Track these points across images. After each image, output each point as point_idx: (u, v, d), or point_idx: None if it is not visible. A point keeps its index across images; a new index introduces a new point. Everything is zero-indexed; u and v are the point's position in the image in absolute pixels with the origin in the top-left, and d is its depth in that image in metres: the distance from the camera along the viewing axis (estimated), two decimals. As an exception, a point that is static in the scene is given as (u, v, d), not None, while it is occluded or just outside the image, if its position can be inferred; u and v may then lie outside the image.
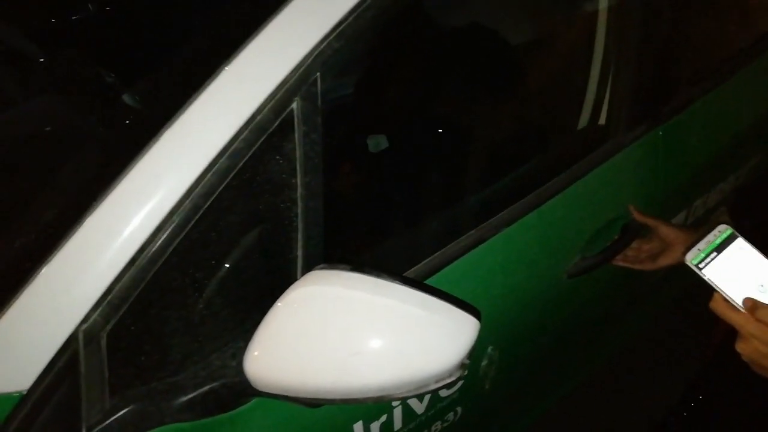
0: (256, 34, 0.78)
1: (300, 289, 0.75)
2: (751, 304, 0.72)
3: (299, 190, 0.82)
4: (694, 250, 0.75)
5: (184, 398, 0.78)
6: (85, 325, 0.70)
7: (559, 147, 1.24)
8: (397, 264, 0.98)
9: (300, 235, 0.84)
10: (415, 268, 0.99)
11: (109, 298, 0.70)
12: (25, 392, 0.67)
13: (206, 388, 0.79)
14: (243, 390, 0.79)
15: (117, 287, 0.70)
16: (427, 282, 1.00)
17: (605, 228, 1.23)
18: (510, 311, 1.13)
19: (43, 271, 0.68)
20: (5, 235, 0.81)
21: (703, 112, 1.40)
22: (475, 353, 1.09)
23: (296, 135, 0.80)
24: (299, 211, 0.83)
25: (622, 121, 1.24)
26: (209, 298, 0.80)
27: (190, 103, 0.74)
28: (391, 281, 0.75)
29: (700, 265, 0.74)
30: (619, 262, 1.23)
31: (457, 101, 1.38)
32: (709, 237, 0.75)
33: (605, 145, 1.23)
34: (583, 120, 1.26)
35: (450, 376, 0.75)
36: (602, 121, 1.25)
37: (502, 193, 1.12)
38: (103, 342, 0.72)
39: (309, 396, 0.76)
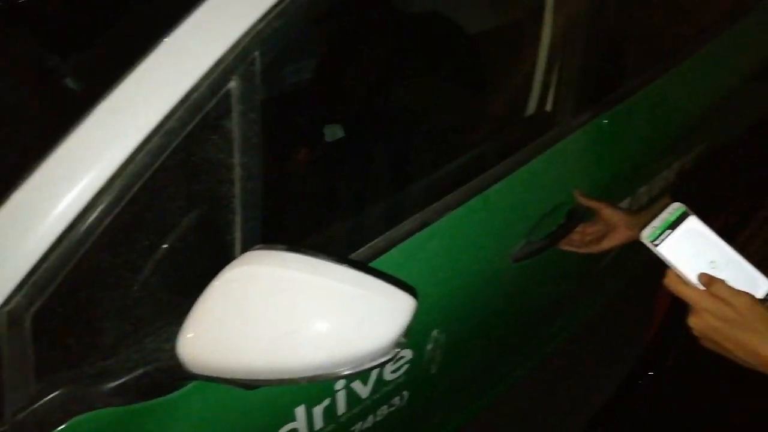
0: (194, 11, 0.76)
1: (236, 268, 0.74)
2: (707, 279, 0.74)
3: (237, 171, 0.81)
4: (650, 227, 0.77)
5: (116, 382, 0.76)
6: (7, 306, 0.68)
7: (506, 132, 1.25)
8: (340, 248, 0.98)
9: (238, 217, 0.83)
10: (359, 251, 0.99)
11: (34, 278, 0.68)
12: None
13: (139, 371, 0.77)
14: (179, 373, 0.78)
15: (43, 267, 0.68)
16: (371, 265, 1.00)
17: (551, 213, 1.25)
18: (455, 295, 1.14)
19: (-38, 250, 0.66)
20: None
21: (648, 101, 1.43)
22: (418, 335, 1.11)
23: (234, 114, 0.79)
24: (237, 191, 0.81)
25: (568, 108, 1.26)
26: (143, 280, 0.78)
27: (123, 80, 0.72)
28: (328, 261, 0.75)
29: (655, 242, 0.76)
30: (564, 246, 1.26)
31: (404, 85, 1.38)
32: (663, 215, 0.77)
33: (551, 132, 1.24)
34: (530, 107, 1.28)
35: (386, 354, 0.75)
36: (548, 107, 1.26)
37: (448, 177, 1.13)
38: (28, 324, 0.70)
39: (244, 377, 0.75)
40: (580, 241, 1.25)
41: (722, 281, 0.73)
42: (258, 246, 0.77)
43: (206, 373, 0.75)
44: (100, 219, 0.71)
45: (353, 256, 0.99)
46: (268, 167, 0.85)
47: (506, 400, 1.95)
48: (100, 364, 0.76)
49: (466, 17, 1.44)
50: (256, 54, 0.78)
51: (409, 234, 1.04)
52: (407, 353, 1.11)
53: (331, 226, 1.00)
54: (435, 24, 1.37)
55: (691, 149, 1.67)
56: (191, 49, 0.75)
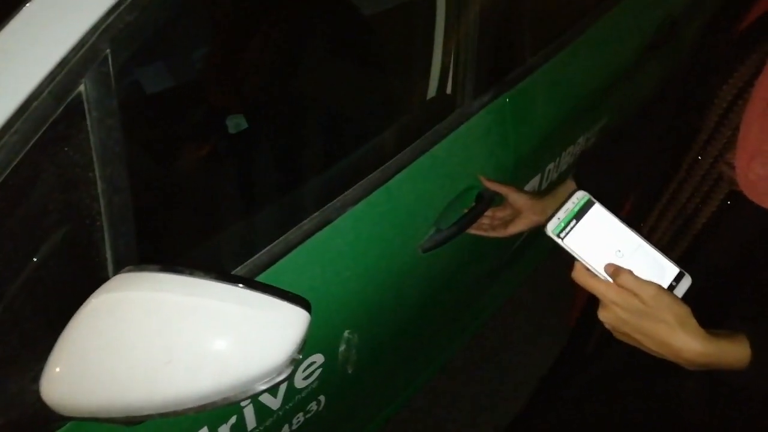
0: (26, 4, 0.67)
1: (102, 295, 0.66)
2: (612, 270, 0.71)
3: (99, 185, 0.72)
4: (554, 219, 0.73)
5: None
6: None
7: (405, 119, 1.21)
8: (232, 256, 0.91)
9: (106, 235, 0.74)
10: (253, 259, 0.92)
11: None
12: None
13: (0, 421, 0.69)
14: (49, 417, 0.70)
15: None
16: (269, 271, 0.94)
17: (458, 199, 1.22)
18: (364, 292, 1.10)
19: None
20: None
21: (549, 78, 1.42)
22: (329, 338, 1.06)
23: (88, 122, 0.70)
24: (102, 208, 0.73)
25: (469, 90, 1.23)
26: (-3, 316, 0.69)
27: (-57, 90, 0.63)
28: (207, 279, 0.68)
29: (561, 235, 0.72)
30: (473, 230, 1.23)
31: (296, 72, 1.30)
32: (568, 205, 0.74)
33: (452, 115, 1.21)
34: (430, 90, 1.24)
35: (278, 374, 0.70)
36: (449, 90, 1.23)
37: (347, 170, 1.07)
38: None
39: (123, 414, 0.68)
40: (489, 225, 1.23)
41: (628, 272, 0.71)
42: (128, 268, 0.70)
43: (78, 414, 0.68)
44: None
45: (248, 264, 0.92)
46: (144, 172, 0.77)
47: (435, 384, 1.95)
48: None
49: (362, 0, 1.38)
50: (107, 52, 0.70)
51: (309, 234, 0.98)
52: (318, 358, 1.06)
53: (220, 234, 0.93)
54: (327, 5, 1.30)
55: (594, 123, 1.69)
56: (25, 50, 0.66)
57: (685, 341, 0.70)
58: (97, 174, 0.72)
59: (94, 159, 0.71)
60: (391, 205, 1.10)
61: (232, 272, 0.90)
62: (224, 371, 0.66)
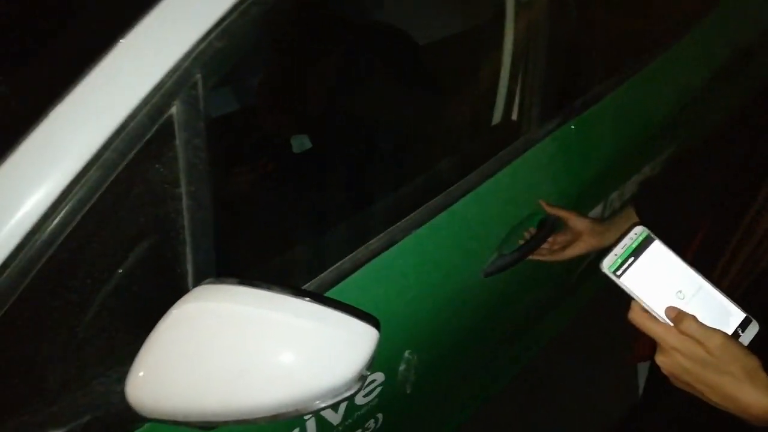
0: (128, 33, 0.72)
1: (184, 305, 0.70)
2: (675, 315, 0.67)
3: (184, 201, 0.77)
4: (611, 255, 0.69)
5: (62, 430, 0.72)
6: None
7: (471, 144, 1.23)
8: (302, 272, 0.94)
9: (188, 248, 0.79)
10: (322, 275, 0.95)
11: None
12: None
13: (87, 417, 0.73)
14: (131, 417, 0.73)
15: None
16: (336, 288, 0.96)
17: (521, 225, 1.23)
18: (426, 313, 1.11)
19: None
20: None
21: (614, 106, 1.41)
22: (390, 357, 1.08)
23: (177, 142, 0.75)
24: (186, 222, 0.77)
25: (534, 117, 1.24)
26: (89, 319, 0.74)
27: (53, 110, 0.68)
28: (283, 294, 0.71)
29: (617, 272, 0.68)
30: (534, 256, 1.23)
31: (366, 98, 1.34)
32: (626, 240, 0.69)
33: (518, 141, 1.22)
34: (496, 117, 1.25)
35: (347, 390, 0.72)
36: (514, 117, 1.24)
37: (414, 193, 1.10)
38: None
39: (199, 419, 0.71)
40: (548, 250, 1.23)
41: (692, 317, 0.66)
42: (208, 280, 0.74)
43: (158, 416, 0.71)
44: (33, 260, 0.66)
45: (316, 280, 0.95)
46: (221, 192, 0.81)
47: (490, 409, 1.93)
48: (45, 411, 0.72)
49: (427, 25, 1.41)
50: (198, 77, 0.75)
51: (375, 254, 1.01)
52: (379, 376, 1.08)
53: (292, 250, 0.97)
54: (396, 32, 1.34)
55: (659, 152, 1.66)
56: (126, 74, 0.71)
57: (754, 396, 0.65)
58: (183, 190, 0.76)
59: (181, 176, 0.76)
60: (455, 228, 1.12)
61: (303, 287, 0.93)
62: (296, 384, 0.69)
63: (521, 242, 1.23)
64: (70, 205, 0.68)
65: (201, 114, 0.76)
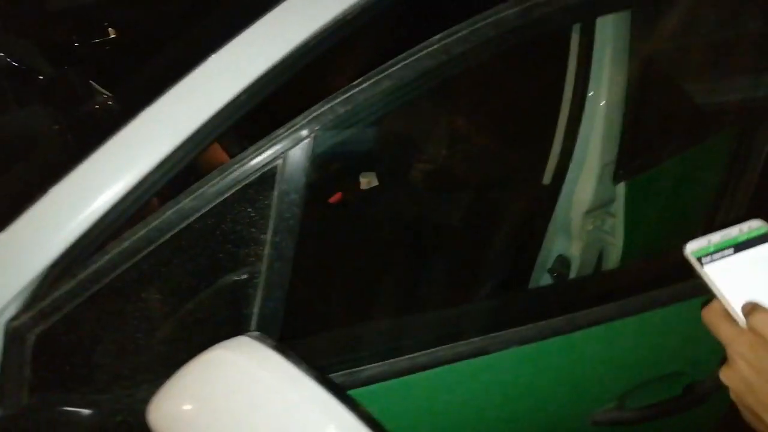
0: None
1: (218, 350, 0.71)
2: (750, 308, 0.53)
3: (267, 248, 0.78)
4: (702, 239, 0.57)
5: (97, 419, 0.77)
6: (14, 322, 0.72)
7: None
8: (366, 351, 0.89)
9: (259, 295, 0.80)
10: (389, 361, 0.88)
11: (43, 304, 0.73)
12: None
13: (119, 418, 0.78)
14: (151, 432, 0.77)
15: (53, 295, 0.72)
16: (404, 379, 0.89)
17: (660, 381, 1.02)
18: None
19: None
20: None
21: None
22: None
23: (275, 192, 0.77)
24: (263, 269, 0.79)
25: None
26: (149, 330, 0.79)
27: (178, 141, 0.74)
28: (308, 375, 0.68)
29: (703, 260, 0.56)
30: None
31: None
32: (731, 230, 0.57)
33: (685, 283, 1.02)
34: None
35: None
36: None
37: (529, 302, 0.98)
38: (31, 342, 0.74)
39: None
40: None
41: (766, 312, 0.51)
42: (250, 333, 0.74)
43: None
44: (115, 264, 0.73)
45: (381, 365, 0.88)
46: (304, 249, 0.81)
47: None
48: (90, 397, 0.79)
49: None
50: (311, 137, 0.75)
51: (459, 358, 0.91)
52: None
53: (360, 325, 0.93)
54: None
55: None
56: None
57: None
58: (268, 239, 0.78)
59: (270, 225, 0.77)
60: (571, 357, 0.97)
61: (364, 366, 0.88)
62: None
63: (652, 402, 1.02)
64: (160, 223, 0.73)
65: (304, 172, 0.76)
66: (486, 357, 0.93)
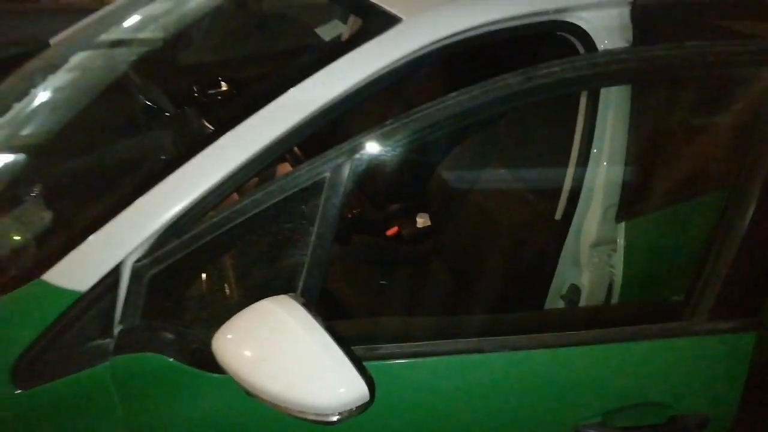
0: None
1: (267, 303, 0.98)
2: None
3: (312, 240, 1.05)
4: None
5: (180, 343, 1.07)
6: (138, 264, 1.05)
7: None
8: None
9: (304, 273, 1.06)
10: (404, 344, 1.11)
11: (158, 253, 1.05)
12: (83, 293, 1.04)
13: (196, 345, 1.06)
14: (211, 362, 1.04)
15: (164, 248, 1.04)
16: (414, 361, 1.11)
17: (644, 408, 1.15)
18: None
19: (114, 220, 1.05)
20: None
21: None
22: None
23: (323, 196, 1.04)
24: (309, 251, 1.06)
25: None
26: (224, 286, 1.09)
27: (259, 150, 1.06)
28: (322, 326, 0.93)
29: None
30: None
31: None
32: None
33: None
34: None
35: (327, 416, 0.90)
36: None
37: (530, 319, 1.16)
38: (146, 279, 1.05)
39: (243, 386, 0.97)
40: None
41: None
42: (291, 294, 1.00)
43: (222, 368, 1.01)
44: (205, 232, 1.04)
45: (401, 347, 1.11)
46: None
47: None
48: (178, 327, 1.09)
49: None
50: (351, 159, 1.03)
51: (457, 352, 1.11)
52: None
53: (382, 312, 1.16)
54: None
55: None
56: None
57: None
58: (314, 230, 1.05)
59: (317, 220, 1.05)
60: (562, 369, 1.13)
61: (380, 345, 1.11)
62: (290, 388, 0.90)
63: (636, 425, 1.14)
64: (239, 206, 1.04)
65: (343, 183, 1.04)
66: (482, 355, 1.12)
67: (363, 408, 0.91)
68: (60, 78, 1.52)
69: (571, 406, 1.16)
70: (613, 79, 1.09)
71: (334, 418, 0.90)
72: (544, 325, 1.15)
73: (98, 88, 1.54)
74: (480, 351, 1.12)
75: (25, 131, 1.43)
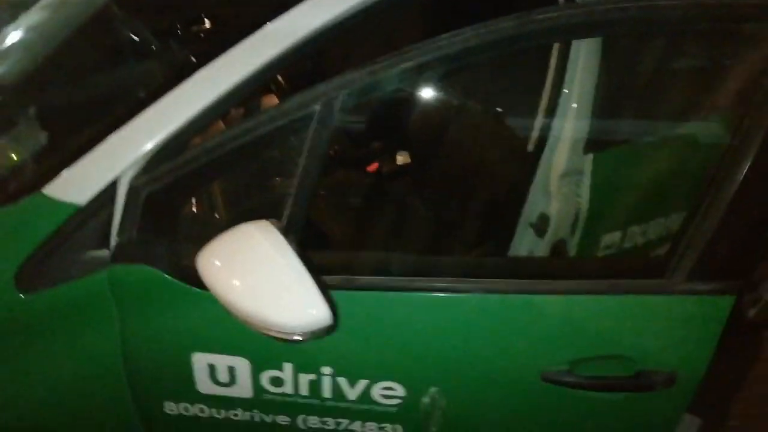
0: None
1: (247, 226, 1.03)
2: None
3: (300, 168, 1.09)
4: None
5: (171, 256, 1.13)
6: (135, 181, 1.11)
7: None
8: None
9: (290, 200, 1.11)
10: (384, 277, 1.15)
11: (154, 173, 1.10)
12: (82, 206, 1.11)
13: (186, 262, 1.13)
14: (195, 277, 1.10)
15: (159, 168, 1.10)
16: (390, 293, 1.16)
17: (612, 359, 1.17)
18: (468, 378, 1.20)
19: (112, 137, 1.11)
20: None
21: None
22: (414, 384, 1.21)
23: (311, 128, 1.07)
24: (296, 182, 1.10)
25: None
26: (214, 208, 1.14)
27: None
28: (294, 252, 0.98)
29: None
30: None
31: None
32: None
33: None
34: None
35: (290, 335, 0.96)
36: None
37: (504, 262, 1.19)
38: (143, 196, 1.11)
39: (221, 302, 1.04)
40: None
41: None
42: (271, 220, 1.05)
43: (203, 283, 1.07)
44: (199, 155, 1.09)
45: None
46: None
47: None
48: (170, 243, 1.15)
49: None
50: (341, 94, 1.05)
51: (443, 290, 1.15)
52: (398, 388, 1.21)
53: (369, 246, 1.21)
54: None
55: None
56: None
57: None
58: (301, 162, 1.09)
59: (304, 150, 1.08)
60: (532, 315, 1.16)
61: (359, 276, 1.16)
62: (260, 306, 0.96)
63: (602, 374, 1.17)
64: (231, 133, 1.08)
65: (332, 117, 1.06)
66: (456, 295, 1.16)
67: (325, 331, 0.96)
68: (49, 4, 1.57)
69: (541, 352, 1.19)
70: (610, 29, 1.07)
71: (297, 337, 0.96)
72: (520, 270, 1.17)
73: (86, 15, 1.59)
74: (455, 291, 1.16)
75: (15, 58, 1.50)
